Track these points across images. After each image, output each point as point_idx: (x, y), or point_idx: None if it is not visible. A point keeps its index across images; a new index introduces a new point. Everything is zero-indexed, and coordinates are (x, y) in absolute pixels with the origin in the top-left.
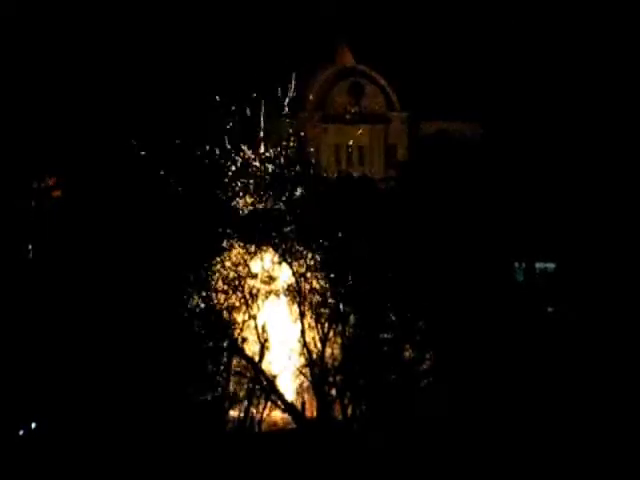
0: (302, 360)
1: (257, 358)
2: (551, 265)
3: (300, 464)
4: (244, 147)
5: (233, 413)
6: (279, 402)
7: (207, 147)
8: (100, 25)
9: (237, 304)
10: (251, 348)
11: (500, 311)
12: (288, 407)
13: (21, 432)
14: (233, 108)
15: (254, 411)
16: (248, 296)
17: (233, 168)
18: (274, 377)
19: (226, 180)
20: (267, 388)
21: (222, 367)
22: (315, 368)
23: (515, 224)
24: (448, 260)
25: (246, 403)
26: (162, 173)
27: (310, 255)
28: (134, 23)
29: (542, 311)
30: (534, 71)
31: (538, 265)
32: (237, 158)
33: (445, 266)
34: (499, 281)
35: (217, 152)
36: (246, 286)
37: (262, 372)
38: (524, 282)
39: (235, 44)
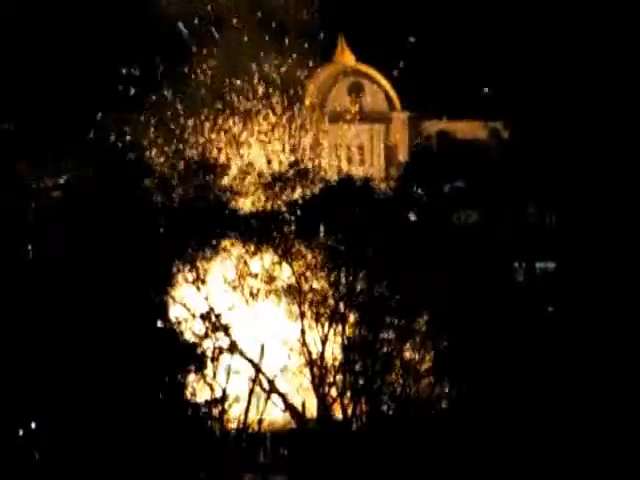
0: (302, 360)
1: (257, 358)
2: (552, 265)
3: (300, 463)
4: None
5: (233, 413)
6: (279, 401)
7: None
8: (101, 25)
9: (237, 303)
10: (251, 348)
11: (500, 311)
12: (288, 407)
13: (21, 432)
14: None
15: (254, 411)
16: (248, 295)
17: (234, 167)
18: (274, 377)
19: (227, 179)
20: (267, 388)
21: (222, 367)
22: (315, 368)
23: (515, 224)
24: (448, 260)
25: (246, 403)
26: (162, 171)
27: (310, 255)
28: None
29: (542, 311)
30: (537, 69)
31: (538, 265)
32: (238, 157)
33: (445, 266)
34: (499, 281)
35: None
36: (246, 285)
37: (262, 372)
38: (524, 282)
39: (234, 44)
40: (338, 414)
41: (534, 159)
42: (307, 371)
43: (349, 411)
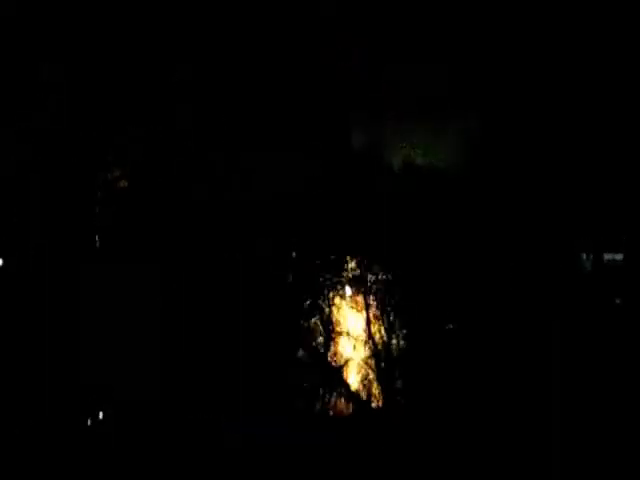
0: (367, 351)
1: (322, 349)
2: (619, 256)
3: (364, 454)
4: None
5: (299, 403)
6: (344, 392)
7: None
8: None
9: (303, 295)
10: (316, 339)
11: (568, 302)
12: (353, 398)
13: (89, 422)
14: None
15: (319, 402)
16: (314, 287)
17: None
18: (340, 368)
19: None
20: (333, 379)
21: (288, 358)
22: (380, 359)
23: (582, 214)
24: (514, 251)
25: (312, 393)
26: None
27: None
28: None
29: (610, 303)
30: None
31: (606, 256)
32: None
33: (511, 257)
34: (566, 272)
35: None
36: (312, 276)
37: (328, 363)
38: (592, 273)
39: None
40: (403, 405)
41: (599, 146)
42: (373, 362)
43: (415, 402)
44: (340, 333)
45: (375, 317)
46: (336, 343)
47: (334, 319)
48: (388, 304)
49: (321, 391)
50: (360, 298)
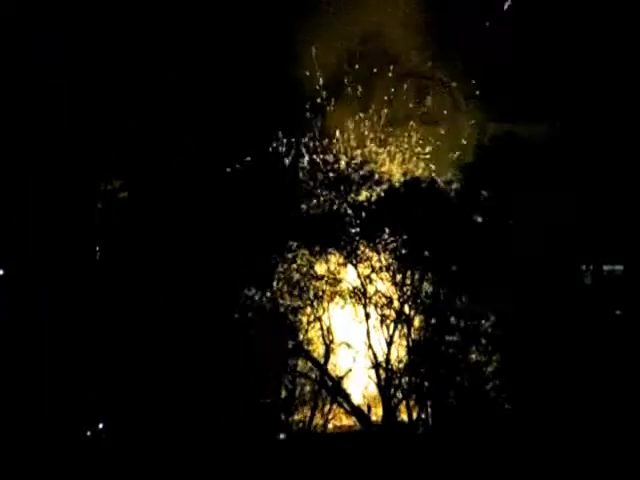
0: (367, 362)
1: (322, 360)
2: (619, 267)
3: (365, 466)
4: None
5: (299, 415)
6: (344, 404)
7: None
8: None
9: (302, 306)
10: (316, 350)
11: (568, 314)
12: (353, 409)
13: (88, 433)
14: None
15: (319, 413)
16: (313, 298)
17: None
18: (339, 379)
19: (292, 181)
20: (332, 390)
21: (288, 369)
22: (380, 370)
23: (582, 226)
24: (514, 263)
25: (311, 405)
26: (227, 172)
27: (375, 257)
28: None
29: (610, 314)
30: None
31: (606, 267)
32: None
33: (511, 269)
34: (566, 284)
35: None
36: (311, 288)
37: (327, 374)
38: (592, 285)
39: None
40: (404, 417)
41: (599, 160)
42: (372, 373)
43: (415, 414)
44: (340, 344)
45: (375, 328)
46: (336, 354)
47: (334, 330)
48: (388, 315)
49: (321, 402)
50: (360, 309)
